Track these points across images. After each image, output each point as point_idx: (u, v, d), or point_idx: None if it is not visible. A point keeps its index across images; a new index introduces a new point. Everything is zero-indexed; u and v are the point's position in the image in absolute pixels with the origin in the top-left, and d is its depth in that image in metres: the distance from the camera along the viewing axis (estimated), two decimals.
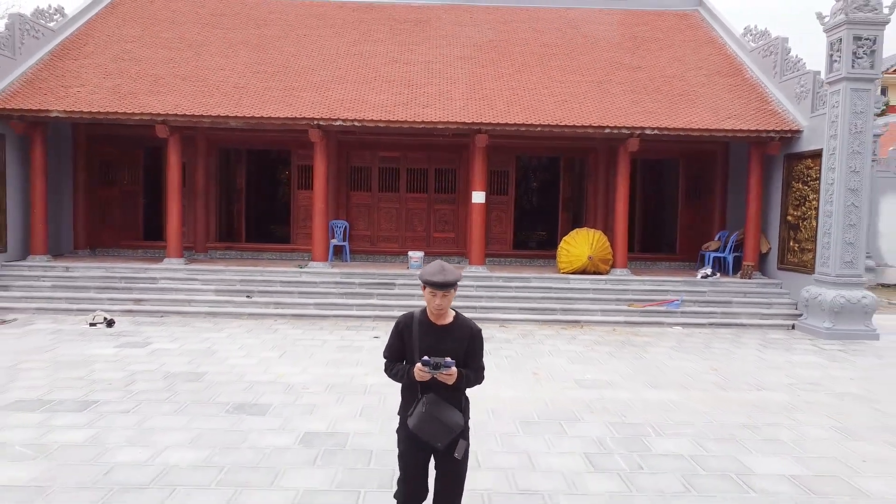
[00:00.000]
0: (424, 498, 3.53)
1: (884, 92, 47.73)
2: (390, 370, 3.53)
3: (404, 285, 12.67)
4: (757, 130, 12.77)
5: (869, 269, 20.57)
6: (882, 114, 25.95)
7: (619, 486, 4.91)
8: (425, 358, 3.23)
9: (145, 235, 15.64)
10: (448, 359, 3.23)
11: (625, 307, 12.42)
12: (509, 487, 4.80)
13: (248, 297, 12.33)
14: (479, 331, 3.52)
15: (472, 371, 3.45)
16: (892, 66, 48.38)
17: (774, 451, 5.72)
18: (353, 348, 9.49)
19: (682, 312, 12.31)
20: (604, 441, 5.86)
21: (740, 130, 12.80)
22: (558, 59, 15.23)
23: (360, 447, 5.54)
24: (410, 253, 13.87)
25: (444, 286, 3.27)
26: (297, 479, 4.87)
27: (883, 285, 20.48)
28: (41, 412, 6.24)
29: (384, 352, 3.59)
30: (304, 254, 14.57)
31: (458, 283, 3.36)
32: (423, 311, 3.48)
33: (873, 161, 20.55)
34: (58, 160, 14.30)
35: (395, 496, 3.57)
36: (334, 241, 14.57)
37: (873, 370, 9.04)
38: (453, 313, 3.49)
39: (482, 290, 12.72)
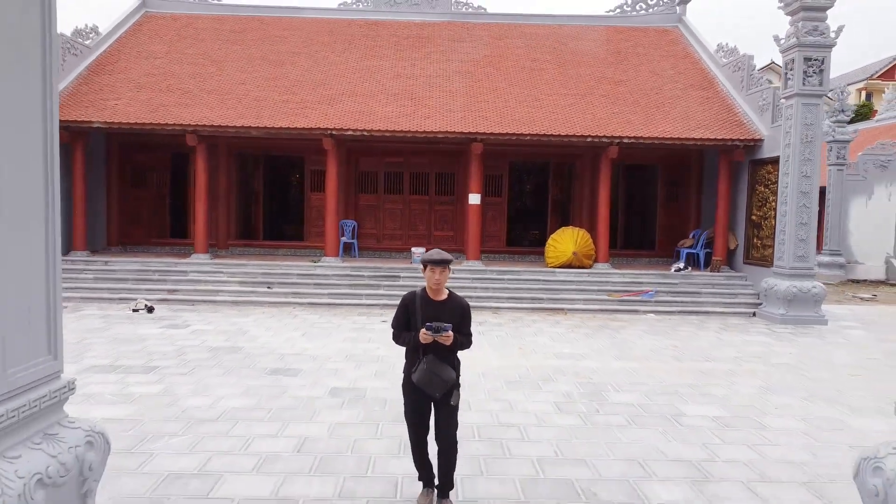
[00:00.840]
0: (426, 434, 4.46)
1: (869, 97, 49.02)
2: (398, 337, 4.32)
3: (408, 277, 14.07)
4: (723, 139, 14.18)
5: (839, 266, 22.08)
6: (852, 121, 27.33)
7: (578, 421, 6.31)
8: (429, 324, 4.01)
9: (171, 234, 17.05)
10: (447, 324, 4.06)
11: (604, 297, 13.83)
12: (493, 422, 6.21)
13: (268, 287, 13.74)
14: (468, 305, 4.48)
15: (464, 336, 4.39)
16: (876, 72, 49.61)
17: (706, 402, 7.13)
18: (366, 330, 10.90)
19: (655, 302, 13.72)
20: (571, 394, 7.27)
21: (708, 139, 14.22)
22: (547, 73, 16.65)
23: (376, 397, 6.95)
24: (413, 249, 15.29)
25: (441, 263, 4.31)
26: (330, 416, 6.28)
27: (853, 281, 21.85)
28: (116, 374, 7.64)
29: (392, 322, 4.52)
30: (317, 250, 15.97)
31: (451, 264, 4.44)
32: (423, 289, 4.31)
33: (843, 166, 22.10)
34: (93, 166, 15.72)
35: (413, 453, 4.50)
36: (344, 239, 15.98)
37: (811, 348, 10.45)
38: (447, 291, 4.33)
39: (477, 282, 14.12)
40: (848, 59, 61.92)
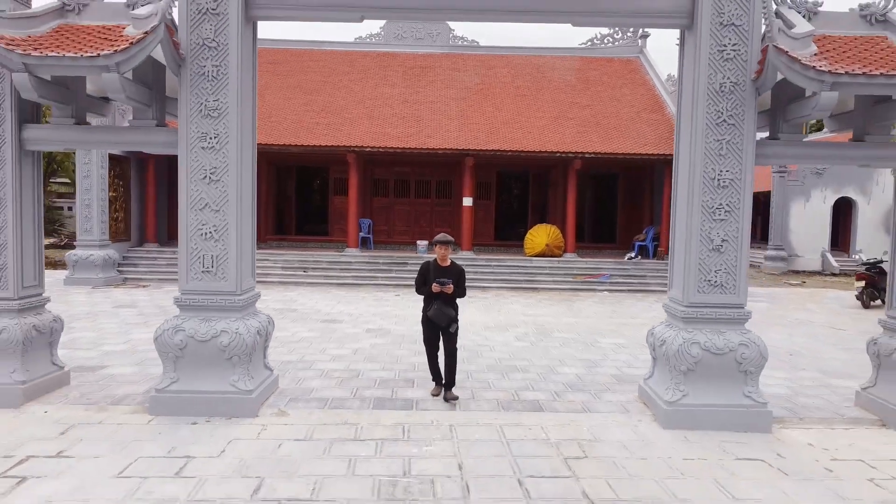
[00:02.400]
0: (437, 350, 7.20)
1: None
2: (419, 289, 6.77)
3: (415, 264, 17.42)
4: (666, 154, 17.56)
5: (782, 259, 25.45)
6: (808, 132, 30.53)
7: (527, 344, 9.71)
8: (438, 279, 6.62)
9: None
10: (449, 280, 7.01)
11: (570, 279, 17.23)
12: (474, 345, 9.59)
13: (304, 271, 17.14)
14: (464, 269, 7.37)
15: (460, 289, 7.18)
16: None
17: (617, 337, 10.52)
18: (383, 301, 14.29)
19: (610, 283, 17.11)
20: (527, 333, 10.66)
21: (654, 154, 17.60)
22: (528, 98, 20.06)
23: (396, 333, 10.33)
24: (418, 242, 18.68)
25: (446, 242, 7.28)
26: (368, 341, 9.67)
27: (793, 271, 25.21)
28: None
29: (415, 281, 7.28)
30: (340, 243, 19.36)
31: (452, 244, 7.73)
32: (435, 260, 6.84)
33: (785, 173, 25.46)
34: (158, 175, 19.12)
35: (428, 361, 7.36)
36: (361, 234, 19.37)
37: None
38: (450, 261, 7.39)
39: (469, 268, 17.48)
40: None
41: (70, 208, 33.00)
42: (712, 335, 6.03)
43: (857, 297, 15.14)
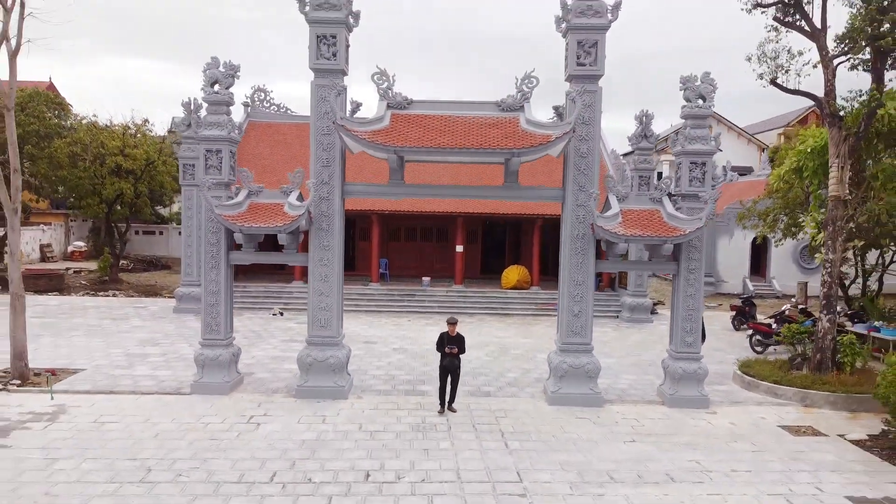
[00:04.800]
0: (446, 383, 11.92)
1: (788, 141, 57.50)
2: (438, 349, 12.06)
3: (422, 296, 23.22)
4: None
5: (711, 284, 31.22)
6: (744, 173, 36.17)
7: (491, 359, 15.47)
8: (449, 345, 11.89)
9: (271, 268, 26.18)
10: (455, 346, 12.24)
11: (534, 307, 23.00)
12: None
13: None
14: (464, 337, 12.38)
15: (462, 348, 12.21)
16: (793, 120, 58.03)
17: (547, 353, 16.29)
18: (400, 325, 20.02)
19: None
20: (493, 351, 16.38)
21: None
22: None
23: (411, 351, 16.08)
24: (423, 278, 24.47)
25: (454, 322, 12.66)
26: (395, 357, 15.43)
27: (720, 293, 30.99)
28: (298, 345, 16.79)
29: (436, 345, 12.38)
30: (364, 277, 25.10)
31: (457, 323, 13.33)
32: (447, 332, 12.33)
33: (713, 215, 31.23)
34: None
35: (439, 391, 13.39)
36: (381, 270, 25.15)
37: (631, 332, 19.58)
38: (458, 331, 12.64)
39: (461, 298, 23.28)
40: (774, 108, 70.91)
41: (137, 232, 39.06)
42: (574, 358, 11.82)
43: (732, 322, 20.94)
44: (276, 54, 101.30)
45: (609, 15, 11.38)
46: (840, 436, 10.48)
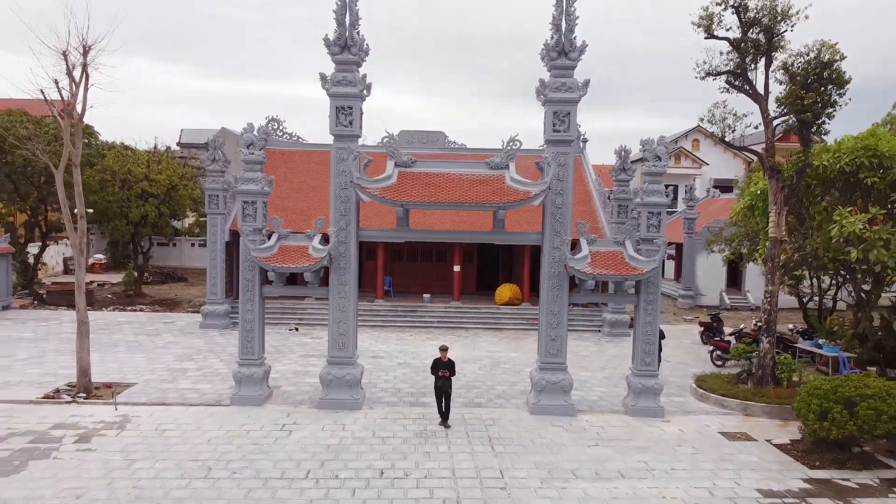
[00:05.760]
0: (442, 399, 14.16)
1: None
2: (433, 372, 14.21)
3: (423, 311, 25.40)
4: None
5: (691, 297, 33.42)
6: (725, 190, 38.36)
7: (484, 373, 17.64)
8: (442, 369, 14.18)
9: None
10: (447, 369, 14.45)
11: (524, 322, 25.17)
12: (458, 373, 17.56)
13: None
14: (454, 362, 14.66)
15: (453, 372, 14.48)
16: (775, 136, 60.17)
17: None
18: (404, 339, 22.19)
19: None
20: (486, 365, 18.56)
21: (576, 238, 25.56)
22: None
23: (414, 365, 18.24)
24: (424, 295, 26.65)
25: (445, 349, 14.99)
26: (400, 371, 17.59)
27: (698, 306, 33.16)
28: (315, 360, 18.95)
29: (430, 369, 14.52)
30: (370, 293, 27.25)
31: (448, 350, 15.65)
32: (439, 357, 14.52)
33: (692, 233, 33.48)
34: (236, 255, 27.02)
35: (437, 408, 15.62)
36: (385, 287, 27.30)
37: (611, 345, 21.75)
38: (449, 356, 14.85)
39: (457, 315, 25.45)
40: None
41: (153, 244, 41.15)
42: (551, 375, 13.99)
43: (700, 336, 23.13)
44: (276, 54, 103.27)
45: (580, 91, 13.58)
46: (767, 440, 12.66)
